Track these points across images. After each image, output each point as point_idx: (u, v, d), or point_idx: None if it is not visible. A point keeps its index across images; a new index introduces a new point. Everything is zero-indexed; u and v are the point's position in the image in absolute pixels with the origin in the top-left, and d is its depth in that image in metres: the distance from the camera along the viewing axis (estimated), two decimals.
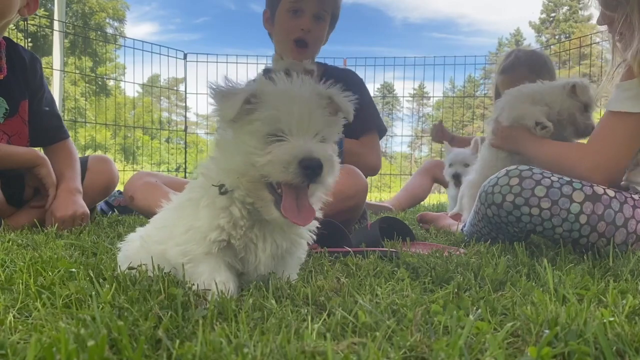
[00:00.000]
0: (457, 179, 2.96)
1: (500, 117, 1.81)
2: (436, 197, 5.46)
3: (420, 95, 6.61)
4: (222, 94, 0.85)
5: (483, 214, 1.34)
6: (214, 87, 0.86)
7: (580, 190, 1.23)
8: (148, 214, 1.71)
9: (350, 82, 2.05)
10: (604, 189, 1.26)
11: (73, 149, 1.95)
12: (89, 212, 1.76)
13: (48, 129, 1.92)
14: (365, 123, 1.99)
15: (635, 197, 1.28)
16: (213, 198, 0.89)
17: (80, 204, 1.74)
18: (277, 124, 0.82)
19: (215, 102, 0.86)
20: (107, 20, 28.31)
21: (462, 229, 1.70)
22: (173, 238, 0.89)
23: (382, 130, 2.10)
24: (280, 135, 0.81)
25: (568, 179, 1.26)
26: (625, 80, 1.31)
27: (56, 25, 4.10)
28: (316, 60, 2.10)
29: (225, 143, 0.89)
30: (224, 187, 0.88)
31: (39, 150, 1.83)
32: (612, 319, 0.63)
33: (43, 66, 2.05)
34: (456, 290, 0.81)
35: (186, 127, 5.93)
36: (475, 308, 0.73)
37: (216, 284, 0.82)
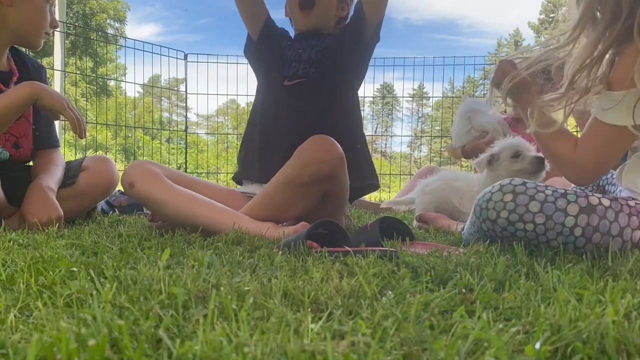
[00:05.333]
0: None
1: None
2: None
3: (419, 96, 6.61)
4: None
5: (478, 227, 1.35)
6: None
7: (574, 203, 1.21)
8: (147, 204, 1.63)
9: None
10: (599, 198, 1.24)
11: (58, 159, 1.93)
12: (62, 213, 1.65)
13: (40, 136, 1.91)
14: None
15: (632, 203, 1.26)
16: None
17: (54, 206, 1.65)
18: None
19: None
20: (108, 21, 28.32)
21: (460, 230, 1.71)
22: None
23: None
24: None
25: (562, 191, 1.24)
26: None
27: None
28: None
29: None
30: None
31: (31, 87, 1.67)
32: (615, 318, 0.63)
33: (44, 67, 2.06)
34: (463, 291, 0.81)
35: (187, 127, 5.92)
36: (482, 308, 0.73)
37: None
